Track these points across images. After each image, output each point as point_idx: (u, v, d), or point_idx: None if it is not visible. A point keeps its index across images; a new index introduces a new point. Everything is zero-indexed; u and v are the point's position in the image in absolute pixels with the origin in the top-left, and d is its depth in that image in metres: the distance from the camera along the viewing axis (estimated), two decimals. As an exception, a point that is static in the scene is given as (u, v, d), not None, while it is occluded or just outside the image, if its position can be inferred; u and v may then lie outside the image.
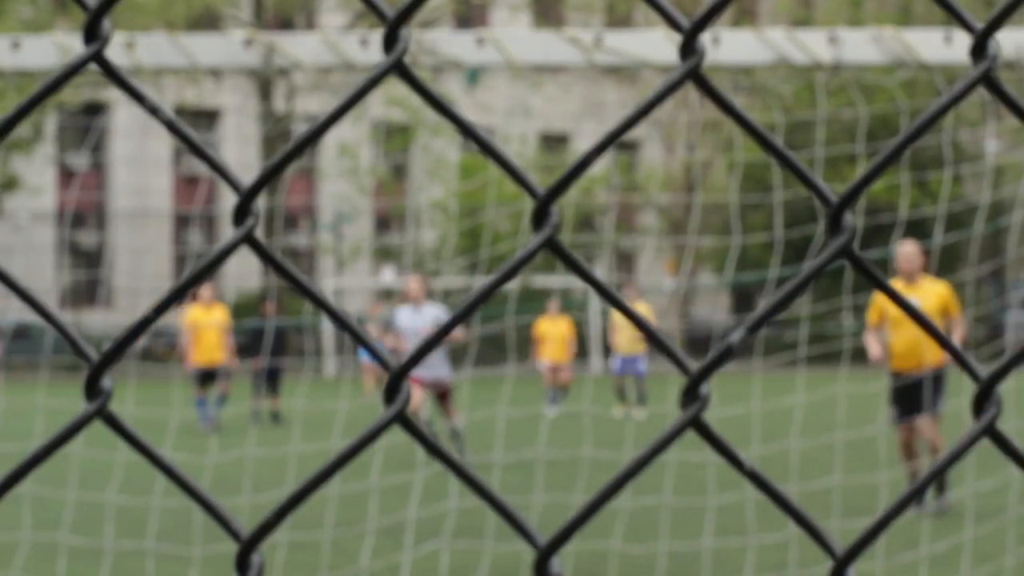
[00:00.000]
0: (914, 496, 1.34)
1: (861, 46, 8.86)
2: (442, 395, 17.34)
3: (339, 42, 9.00)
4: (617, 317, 26.69)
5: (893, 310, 12.42)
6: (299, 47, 9.17)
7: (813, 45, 8.84)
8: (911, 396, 12.81)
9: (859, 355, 21.16)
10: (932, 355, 12.69)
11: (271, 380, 25.57)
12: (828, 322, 48.37)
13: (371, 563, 10.40)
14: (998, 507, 12.63)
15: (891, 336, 12.97)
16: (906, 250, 13.14)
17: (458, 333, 22.91)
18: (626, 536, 11.28)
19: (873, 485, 13.36)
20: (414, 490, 13.07)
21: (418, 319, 17.65)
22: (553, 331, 27.79)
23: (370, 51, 8.87)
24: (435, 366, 17.33)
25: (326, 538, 11.12)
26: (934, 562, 10.49)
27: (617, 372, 26.67)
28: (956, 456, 1.35)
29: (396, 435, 9.64)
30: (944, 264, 19.65)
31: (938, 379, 12.83)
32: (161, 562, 10.43)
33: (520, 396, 23.50)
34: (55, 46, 8.73)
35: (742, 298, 59.64)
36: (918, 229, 18.85)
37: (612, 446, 17.76)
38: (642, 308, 27.63)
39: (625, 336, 26.27)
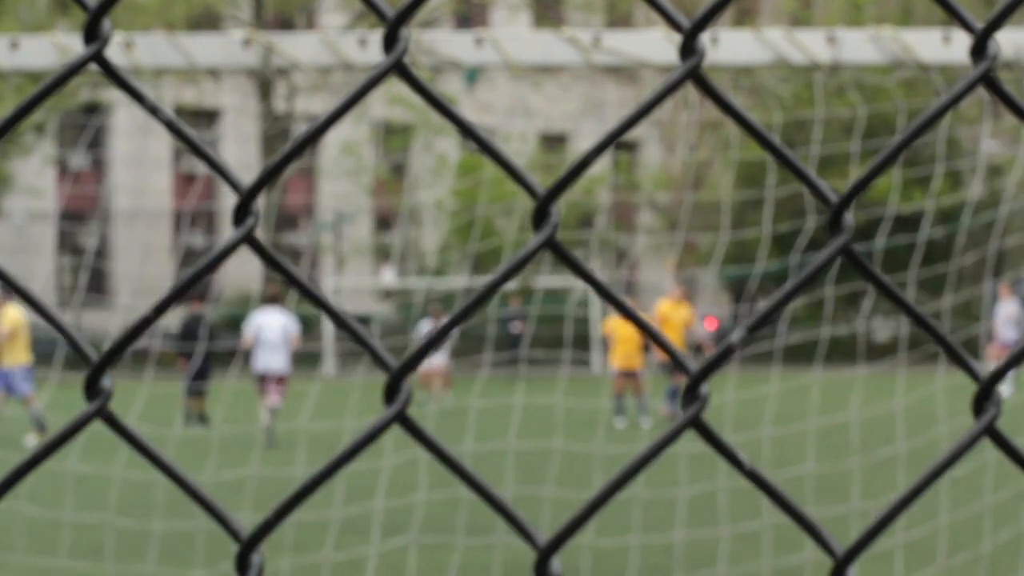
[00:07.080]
0: (915, 495, 1.34)
1: (860, 46, 8.86)
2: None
3: (338, 42, 9.00)
4: None
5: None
6: (297, 47, 9.16)
7: (812, 45, 8.84)
8: None
9: (834, 345, 21.12)
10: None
11: (199, 380, 24.33)
12: (807, 314, 48.34)
13: (335, 555, 10.37)
14: (973, 493, 12.60)
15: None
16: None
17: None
18: (598, 529, 11.27)
19: (846, 472, 13.35)
20: (380, 481, 13.02)
21: None
22: (624, 331, 23.39)
23: (369, 51, 8.86)
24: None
25: (288, 531, 11.07)
26: (910, 549, 10.47)
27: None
28: (956, 456, 1.35)
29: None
30: (936, 260, 19.63)
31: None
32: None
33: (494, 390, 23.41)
34: (55, 46, 8.72)
35: (742, 297, 59.60)
36: (911, 226, 18.85)
37: (583, 439, 17.73)
38: (686, 311, 24.75)
39: None
